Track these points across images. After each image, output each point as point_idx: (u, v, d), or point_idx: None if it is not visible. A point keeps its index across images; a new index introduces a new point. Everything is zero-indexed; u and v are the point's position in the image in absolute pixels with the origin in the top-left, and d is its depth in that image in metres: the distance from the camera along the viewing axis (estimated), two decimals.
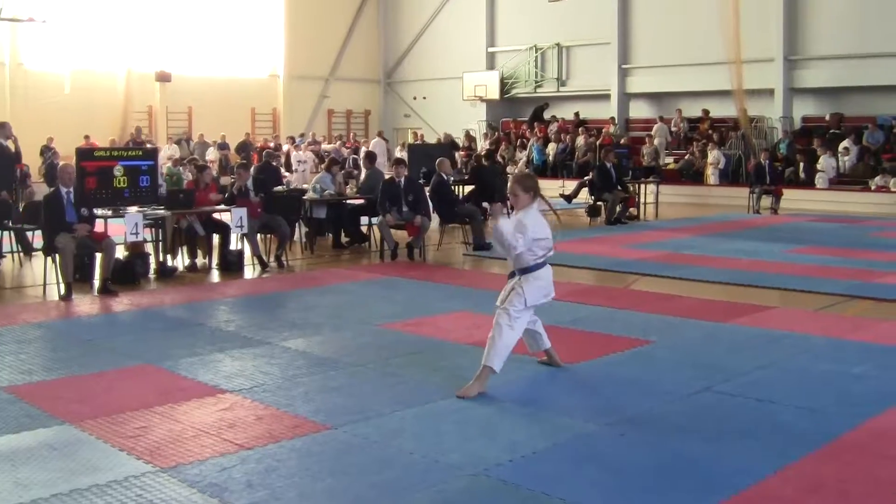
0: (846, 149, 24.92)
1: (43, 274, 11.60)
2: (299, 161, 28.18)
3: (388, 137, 33.88)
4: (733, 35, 27.03)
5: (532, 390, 6.92)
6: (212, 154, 29.96)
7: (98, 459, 5.44)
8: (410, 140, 31.87)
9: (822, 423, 6.12)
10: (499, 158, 21.68)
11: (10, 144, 15.62)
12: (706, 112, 28.84)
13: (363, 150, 29.69)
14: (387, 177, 15.02)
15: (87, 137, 26.71)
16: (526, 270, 6.94)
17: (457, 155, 26.11)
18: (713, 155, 26.56)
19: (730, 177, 26.66)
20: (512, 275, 7.06)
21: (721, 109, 28.66)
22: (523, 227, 6.78)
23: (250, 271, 13.18)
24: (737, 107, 27.71)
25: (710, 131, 28.00)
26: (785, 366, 7.63)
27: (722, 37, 27.17)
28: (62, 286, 10.83)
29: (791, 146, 26.03)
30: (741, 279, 12.08)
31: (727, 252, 14.78)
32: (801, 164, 25.10)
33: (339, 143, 32.38)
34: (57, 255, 10.87)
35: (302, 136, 32.44)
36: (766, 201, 22.29)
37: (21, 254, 13.90)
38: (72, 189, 11.18)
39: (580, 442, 5.76)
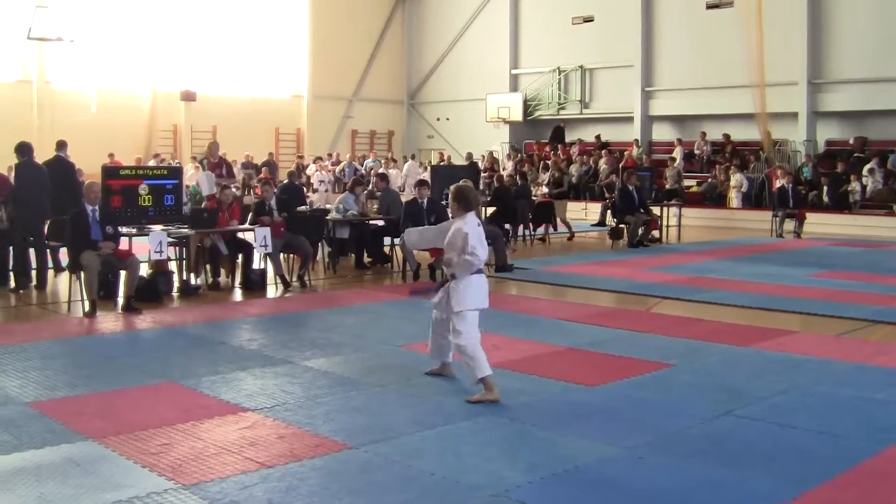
0: (871, 170, 24.82)
1: (68, 291, 11.69)
2: (321, 181, 28.31)
3: (407, 158, 34.12)
4: (757, 58, 27.07)
5: (552, 412, 6.91)
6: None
7: (121, 475, 5.48)
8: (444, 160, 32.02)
9: (843, 448, 6.10)
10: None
11: None
12: (727, 136, 28.82)
13: (392, 170, 30.02)
14: (411, 197, 15.06)
15: (111, 156, 26.91)
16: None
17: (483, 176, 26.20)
18: (736, 178, 26.50)
19: (752, 200, 26.58)
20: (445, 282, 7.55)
21: (744, 133, 28.63)
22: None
23: (273, 290, 13.23)
24: (760, 130, 27.69)
25: (729, 155, 27.96)
26: (807, 391, 7.60)
27: (746, 60, 27.21)
28: (86, 303, 10.91)
29: (814, 170, 25.95)
30: (763, 303, 12.04)
31: (749, 276, 14.74)
32: (825, 188, 25.01)
33: (365, 159, 32.82)
34: (82, 273, 10.96)
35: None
36: (789, 225, 22.22)
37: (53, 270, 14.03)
38: (97, 207, 11.28)
39: (600, 465, 5.76)
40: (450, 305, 7.32)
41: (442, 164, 29.21)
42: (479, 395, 7.15)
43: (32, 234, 13.09)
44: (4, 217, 13.04)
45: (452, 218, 7.51)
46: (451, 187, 7.57)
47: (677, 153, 29.00)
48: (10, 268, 13.04)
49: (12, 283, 12.95)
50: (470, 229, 7.20)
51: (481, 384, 7.18)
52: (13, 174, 13.81)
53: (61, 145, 14.58)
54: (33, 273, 13.14)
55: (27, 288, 12.86)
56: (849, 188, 24.63)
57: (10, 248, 13.20)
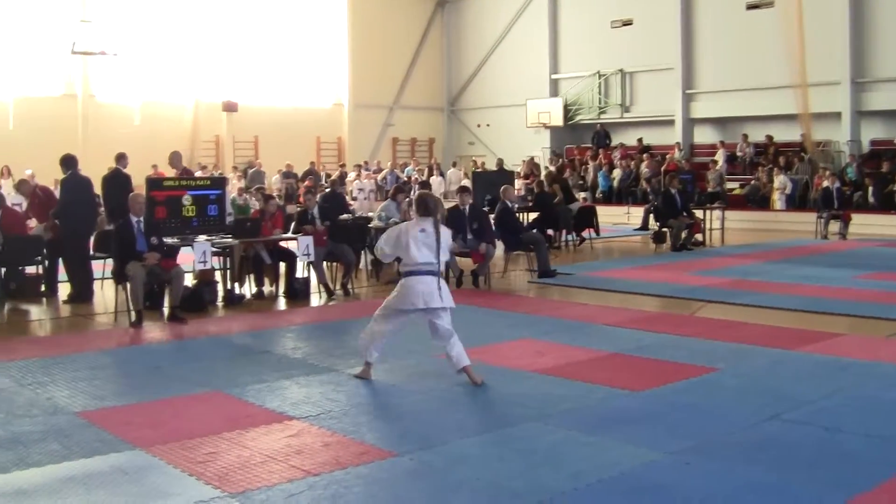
0: None
1: (114, 301, 11.82)
2: (360, 189, 28.41)
3: (448, 165, 34.31)
4: (799, 58, 26.85)
5: (596, 418, 6.89)
6: (275, 183, 30.23)
7: (168, 484, 5.53)
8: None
9: (892, 452, 6.03)
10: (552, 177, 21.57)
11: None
12: (770, 138, 28.59)
13: (436, 178, 30.22)
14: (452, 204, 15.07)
15: (154, 167, 27.17)
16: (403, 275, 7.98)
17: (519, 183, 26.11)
18: (779, 180, 26.27)
19: (796, 202, 26.32)
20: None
21: (787, 134, 28.41)
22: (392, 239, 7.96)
23: (316, 299, 13.30)
24: (803, 131, 27.44)
25: (772, 156, 27.73)
26: (854, 394, 7.52)
27: (787, 60, 27.00)
28: (133, 313, 11.02)
29: (859, 170, 25.67)
30: (809, 306, 11.93)
31: (794, 278, 14.61)
32: (870, 189, 24.74)
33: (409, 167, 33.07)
34: (128, 283, 11.08)
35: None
36: (834, 226, 21.98)
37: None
38: (142, 218, 11.40)
39: (645, 470, 5.73)
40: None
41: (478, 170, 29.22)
42: (359, 371, 8.17)
43: (78, 246, 13.23)
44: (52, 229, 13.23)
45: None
46: (415, 195, 8.43)
47: (720, 156, 28.80)
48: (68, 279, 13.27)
49: (63, 295, 13.18)
50: (408, 228, 7.92)
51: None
52: (59, 188, 13.96)
53: (120, 157, 14.73)
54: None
55: (87, 300, 13.02)
56: (894, 188, 24.36)
57: (59, 259, 13.42)
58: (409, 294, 7.82)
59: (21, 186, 14.76)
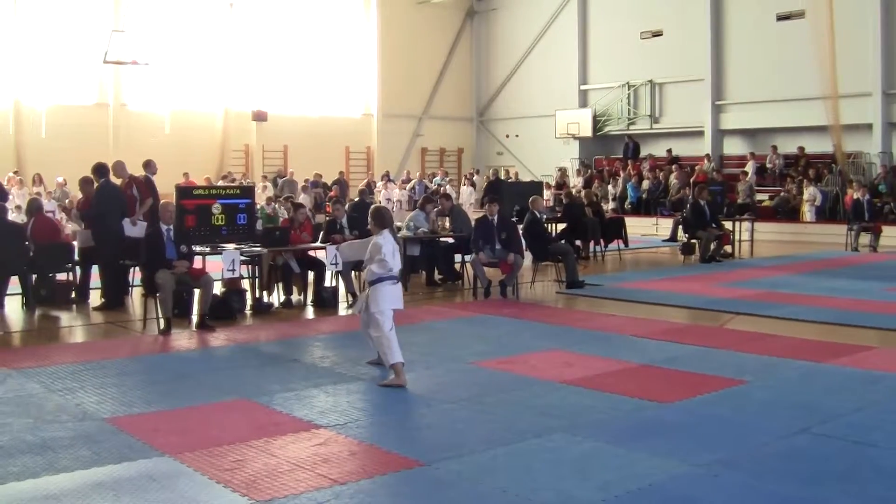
0: None
1: (143, 309, 11.88)
2: (388, 199, 28.48)
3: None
4: (829, 70, 26.68)
5: (625, 430, 6.86)
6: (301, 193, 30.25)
7: (196, 491, 5.55)
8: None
9: None
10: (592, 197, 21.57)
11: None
12: (801, 149, 28.41)
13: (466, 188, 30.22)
14: (480, 215, 15.06)
15: (185, 175, 27.39)
16: (376, 281, 8.47)
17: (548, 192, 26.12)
18: (809, 192, 26.12)
19: (826, 214, 26.16)
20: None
21: (817, 145, 28.23)
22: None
23: (344, 308, 13.32)
24: (833, 142, 27.27)
25: (802, 168, 27.55)
26: (885, 407, 7.45)
27: (818, 71, 26.84)
28: (162, 321, 11.07)
29: (890, 182, 25.47)
30: (839, 318, 11.84)
31: (824, 290, 14.51)
32: None
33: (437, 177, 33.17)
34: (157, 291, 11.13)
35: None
36: (865, 239, 21.83)
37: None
38: (172, 226, 11.45)
39: (673, 483, 5.70)
40: (370, 307, 8.38)
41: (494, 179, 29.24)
42: (389, 380, 8.28)
43: (111, 253, 13.29)
44: (90, 237, 13.30)
45: (372, 235, 8.65)
46: (370, 209, 8.99)
47: (749, 167, 28.69)
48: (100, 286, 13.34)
49: (94, 301, 13.26)
50: (384, 241, 8.40)
51: (392, 370, 8.30)
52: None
53: (147, 164, 14.81)
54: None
55: (117, 308, 13.07)
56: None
57: (94, 266, 13.50)
58: (394, 296, 8.47)
59: (84, 187, 14.37)
